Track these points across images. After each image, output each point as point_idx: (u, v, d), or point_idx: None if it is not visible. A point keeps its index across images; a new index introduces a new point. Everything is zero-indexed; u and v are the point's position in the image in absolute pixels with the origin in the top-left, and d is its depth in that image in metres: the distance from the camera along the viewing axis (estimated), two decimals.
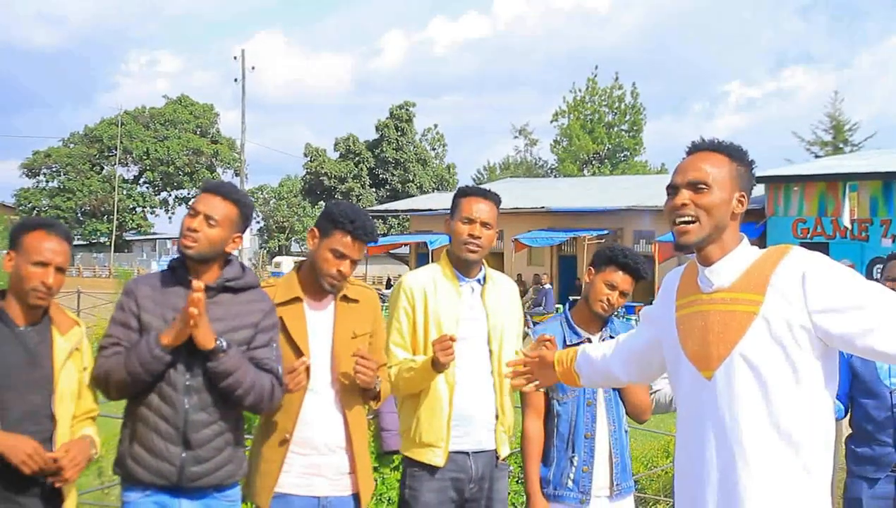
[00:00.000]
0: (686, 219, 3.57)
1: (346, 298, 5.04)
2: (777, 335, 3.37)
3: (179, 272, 4.60)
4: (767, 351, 3.39)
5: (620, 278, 5.34)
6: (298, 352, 4.82)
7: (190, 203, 4.63)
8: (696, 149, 3.69)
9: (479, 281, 5.45)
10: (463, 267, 5.40)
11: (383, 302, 5.67)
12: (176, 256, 4.68)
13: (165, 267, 4.69)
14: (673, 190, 3.63)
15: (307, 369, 4.80)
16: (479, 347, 5.32)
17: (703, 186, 3.54)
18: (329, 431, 4.92)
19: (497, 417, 5.33)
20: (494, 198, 5.43)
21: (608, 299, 5.33)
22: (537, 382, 4.50)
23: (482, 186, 5.57)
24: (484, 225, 5.31)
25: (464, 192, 5.45)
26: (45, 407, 4.34)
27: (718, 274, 3.57)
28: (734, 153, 3.63)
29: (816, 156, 54.94)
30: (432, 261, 5.61)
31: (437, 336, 5.15)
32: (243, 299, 4.66)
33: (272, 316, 4.74)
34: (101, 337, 4.59)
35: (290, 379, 4.72)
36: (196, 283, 4.34)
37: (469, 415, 5.26)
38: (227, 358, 4.46)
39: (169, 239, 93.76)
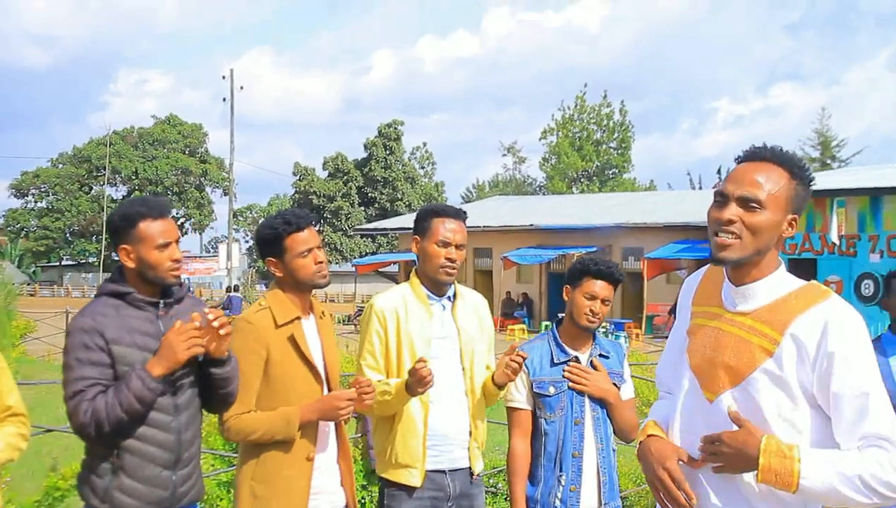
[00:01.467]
0: (730, 235, 3.29)
1: (322, 314, 5.11)
2: (787, 379, 3.20)
3: (133, 297, 4.46)
4: (772, 395, 3.22)
5: (598, 287, 5.28)
6: (312, 368, 4.87)
7: (162, 234, 4.42)
8: (755, 156, 3.36)
9: (448, 298, 5.42)
10: (434, 287, 5.38)
11: None
12: (110, 281, 4.56)
13: (100, 295, 4.52)
14: (722, 198, 3.33)
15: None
16: (453, 366, 5.30)
17: (756, 205, 3.25)
18: (329, 447, 5.00)
19: (471, 433, 5.32)
20: (464, 216, 5.40)
21: (591, 310, 5.26)
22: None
23: (446, 205, 5.50)
24: (458, 247, 5.30)
25: (435, 212, 5.37)
26: None
27: (746, 298, 3.37)
28: (796, 169, 3.31)
29: None
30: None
31: (410, 357, 5.18)
32: (188, 306, 4.63)
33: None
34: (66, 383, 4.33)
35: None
36: (205, 312, 4.37)
37: (444, 434, 5.25)
38: (233, 363, 4.54)
39: None
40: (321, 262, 4.91)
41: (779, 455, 3.11)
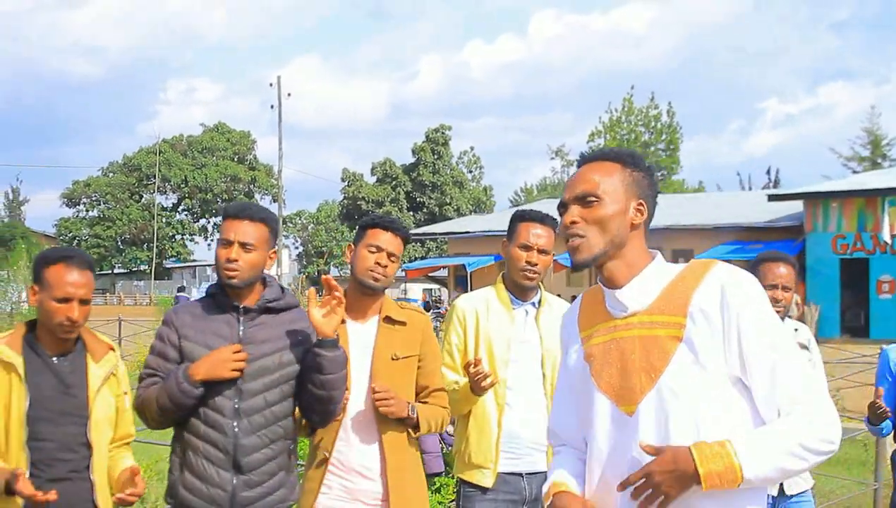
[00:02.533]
0: (576, 237, 3.24)
1: (389, 319, 5.07)
2: (704, 360, 3.06)
3: (219, 298, 4.61)
4: (695, 379, 3.06)
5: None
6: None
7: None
8: (584, 160, 3.39)
9: (533, 304, 5.44)
10: (518, 291, 5.41)
11: None
12: (214, 283, 4.70)
13: (204, 294, 4.72)
14: (563, 207, 3.32)
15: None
16: (532, 370, 5.31)
17: (593, 198, 3.23)
18: (365, 454, 4.95)
19: None
20: (552, 223, 5.35)
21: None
22: None
23: (535, 209, 5.55)
24: (541, 251, 5.32)
25: (521, 217, 5.42)
26: (81, 436, 4.38)
27: (632, 297, 3.23)
28: (626, 159, 3.32)
29: (854, 172, 54.57)
30: (471, 284, 5.61)
31: (488, 358, 5.25)
32: (285, 319, 4.68)
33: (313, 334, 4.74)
34: (141, 366, 4.59)
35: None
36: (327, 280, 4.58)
37: (518, 436, 5.25)
38: (341, 356, 4.57)
39: (208, 265, 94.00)
40: (380, 264, 4.96)
41: (715, 458, 2.92)
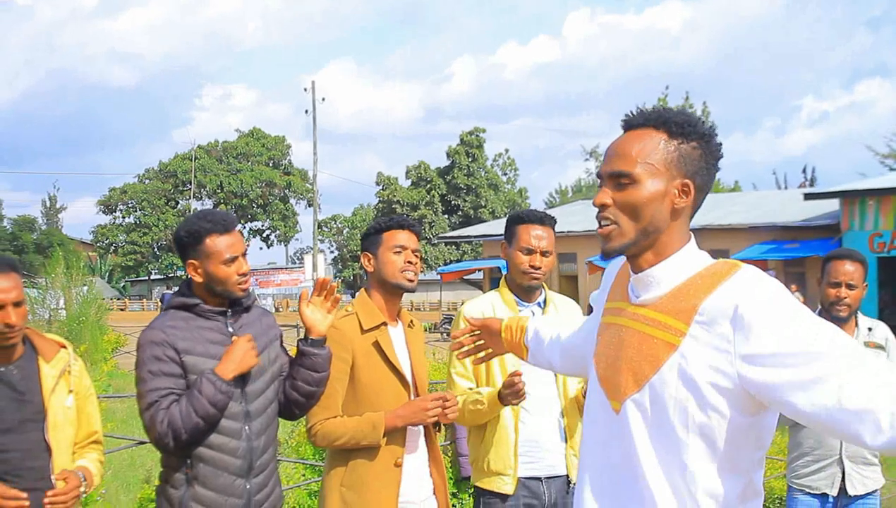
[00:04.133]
0: (606, 222, 2.88)
1: (411, 324, 5.22)
2: (692, 381, 2.66)
3: (201, 307, 4.52)
4: (681, 398, 2.68)
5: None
6: (399, 374, 4.92)
7: (229, 248, 4.46)
8: (627, 125, 2.93)
9: (539, 304, 5.42)
10: (522, 293, 5.40)
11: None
12: (175, 293, 4.63)
13: (168, 309, 4.57)
14: (600, 181, 2.94)
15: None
16: (543, 372, 5.16)
17: (626, 180, 2.81)
18: (422, 459, 5.05)
19: (566, 441, 5.26)
20: (551, 222, 5.37)
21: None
22: (489, 351, 4.11)
23: (534, 209, 5.54)
24: (543, 253, 5.30)
25: (520, 219, 5.38)
26: (41, 440, 4.33)
27: (647, 286, 2.87)
28: (674, 127, 2.82)
29: (891, 169, 54.19)
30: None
31: (499, 364, 5.24)
32: (256, 316, 4.71)
33: (280, 329, 4.85)
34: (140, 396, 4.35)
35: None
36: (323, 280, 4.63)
37: (536, 440, 5.23)
38: (327, 354, 4.67)
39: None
40: (410, 263, 5.00)
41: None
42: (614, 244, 2.87)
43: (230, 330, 4.52)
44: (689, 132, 2.81)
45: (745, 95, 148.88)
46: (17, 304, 4.25)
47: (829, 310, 5.68)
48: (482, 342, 4.10)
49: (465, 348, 4.16)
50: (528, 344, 3.81)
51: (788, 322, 2.53)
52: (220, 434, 4.37)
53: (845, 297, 5.62)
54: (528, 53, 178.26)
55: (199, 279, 4.47)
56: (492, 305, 5.37)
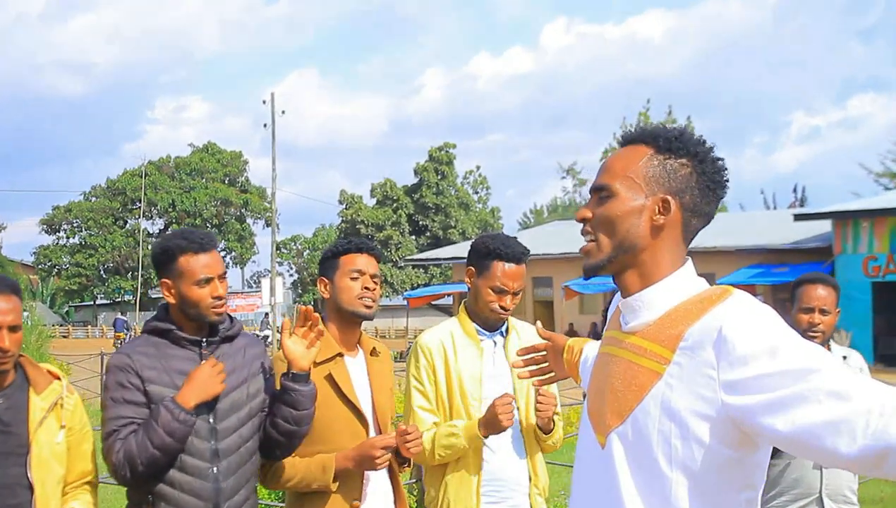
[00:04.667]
0: (588, 237, 2.91)
1: (374, 351, 5.13)
2: (676, 411, 2.63)
3: (175, 334, 4.48)
4: (663, 431, 2.66)
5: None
6: (356, 410, 4.87)
7: (204, 268, 4.44)
8: (622, 141, 2.99)
9: (501, 333, 5.37)
10: (484, 322, 5.33)
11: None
12: (154, 318, 4.61)
13: (143, 333, 4.57)
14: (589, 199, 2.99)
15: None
16: None
17: (606, 193, 2.85)
18: (386, 498, 5.00)
19: (530, 479, 5.23)
20: (525, 259, 5.28)
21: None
22: (552, 374, 4.11)
23: (510, 237, 5.34)
24: (515, 294, 5.23)
25: (496, 254, 5.21)
26: (23, 476, 4.24)
27: (634, 311, 2.86)
28: (661, 141, 2.85)
29: (886, 189, 54.59)
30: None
31: (461, 397, 5.20)
32: (240, 346, 4.66)
33: (269, 360, 4.79)
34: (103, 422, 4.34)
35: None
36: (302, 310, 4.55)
37: (500, 479, 5.16)
38: (311, 390, 4.57)
39: None
40: (367, 289, 4.95)
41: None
42: (591, 260, 2.88)
43: (203, 362, 4.45)
44: (677, 148, 2.83)
45: (731, 109, 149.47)
46: (12, 329, 4.20)
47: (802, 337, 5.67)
48: (547, 364, 4.10)
49: (529, 368, 4.14)
50: (580, 368, 3.80)
51: (774, 346, 2.50)
52: (184, 472, 4.31)
53: (818, 324, 5.63)
54: (502, 64, 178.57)
55: (171, 300, 4.46)
56: (451, 334, 5.31)
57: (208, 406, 4.36)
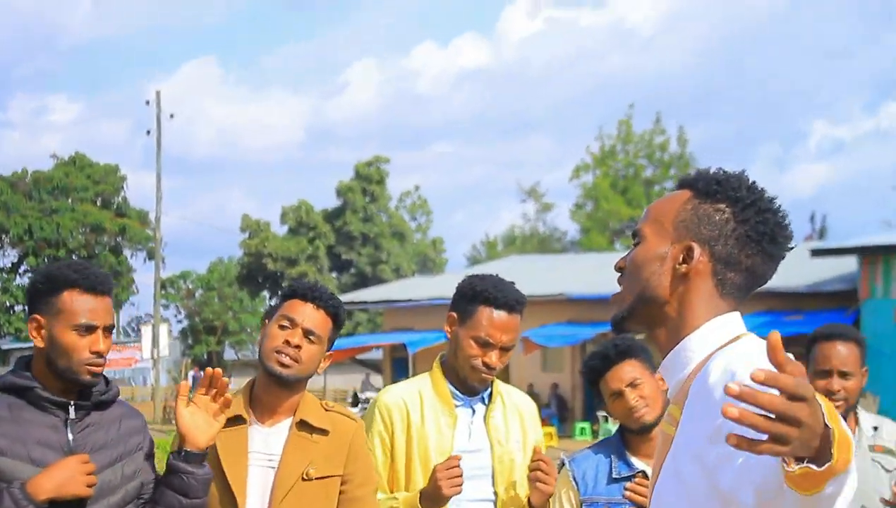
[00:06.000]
0: (619, 285, 3.17)
1: (304, 424, 4.96)
2: (684, 476, 2.83)
3: (36, 393, 4.40)
4: (679, 496, 2.85)
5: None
6: (229, 493, 4.78)
7: (89, 313, 4.41)
8: (675, 185, 3.24)
9: (483, 400, 5.38)
10: (463, 385, 5.32)
11: None
12: (12, 372, 4.53)
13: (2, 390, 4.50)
14: None
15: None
16: (480, 489, 5.23)
17: (637, 238, 3.13)
18: None
19: None
20: (522, 308, 5.30)
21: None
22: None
23: (503, 281, 5.38)
24: (504, 349, 5.21)
25: (483, 298, 5.23)
26: None
27: (668, 374, 3.09)
28: (701, 185, 3.08)
29: None
30: (414, 370, 5.53)
31: (423, 475, 5.13)
32: (114, 416, 4.62)
33: (149, 436, 4.76)
34: None
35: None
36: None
37: None
38: (206, 474, 4.52)
39: None
40: (289, 344, 4.88)
41: None
42: (615, 310, 3.13)
43: (69, 432, 4.41)
44: (714, 191, 3.03)
45: (735, 117, 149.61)
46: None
47: None
48: None
49: None
50: None
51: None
52: None
53: (838, 390, 5.58)
54: (449, 57, 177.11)
55: (39, 342, 4.41)
56: (419, 394, 5.32)
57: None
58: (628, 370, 5.22)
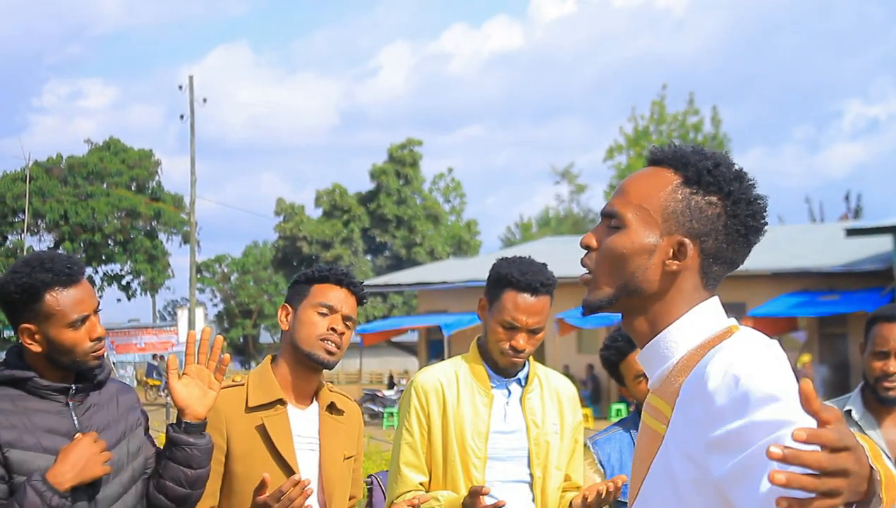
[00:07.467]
0: (585, 268, 2.99)
1: (333, 407, 5.06)
2: (674, 478, 2.72)
3: (35, 381, 4.36)
4: (668, 497, 2.74)
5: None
6: (287, 469, 4.81)
7: (77, 306, 4.34)
8: (648, 161, 3.05)
9: (519, 381, 5.36)
10: (498, 366, 5.31)
11: (384, 406, 5.63)
12: (5, 362, 4.48)
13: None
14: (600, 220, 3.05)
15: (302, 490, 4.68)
16: (516, 471, 5.23)
17: (616, 221, 2.92)
18: None
19: None
20: (549, 289, 5.25)
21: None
22: None
23: (531, 263, 5.33)
24: (532, 332, 5.20)
25: (508, 281, 5.19)
26: None
27: (648, 364, 2.97)
28: (692, 171, 2.90)
29: None
30: (450, 352, 5.55)
31: (460, 456, 5.15)
32: (111, 393, 4.61)
33: (143, 410, 4.76)
34: None
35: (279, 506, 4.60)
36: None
37: None
38: (207, 443, 4.53)
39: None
40: (334, 330, 4.93)
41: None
42: (590, 297, 2.97)
43: (74, 416, 4.38)
44: (707, 182, 2.87)
45: (769, 97, 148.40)
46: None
47: (874, 388, 5.63)
48: None
49: None
50: None
51: (757, 398, 2.50)
52: None
53: (895, 372, 5.57)
54: (481, 40, 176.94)
55: (37, 348, 4.32)
56: (455, 376, 5.31)
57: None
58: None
